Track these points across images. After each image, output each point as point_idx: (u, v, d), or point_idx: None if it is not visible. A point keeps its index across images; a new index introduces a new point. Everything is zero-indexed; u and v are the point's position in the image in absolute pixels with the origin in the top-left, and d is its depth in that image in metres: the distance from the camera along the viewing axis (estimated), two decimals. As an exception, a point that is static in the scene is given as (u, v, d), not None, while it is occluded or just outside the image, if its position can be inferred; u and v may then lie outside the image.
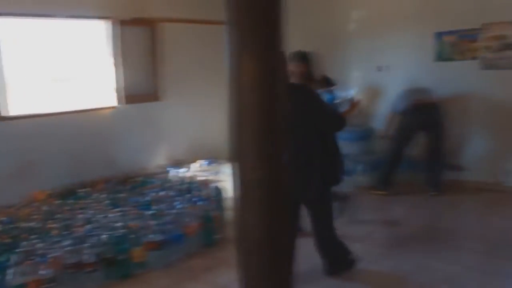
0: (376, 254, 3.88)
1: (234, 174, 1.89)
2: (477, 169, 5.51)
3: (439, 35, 5.56)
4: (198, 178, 5.36)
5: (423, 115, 5.16)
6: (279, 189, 1.97)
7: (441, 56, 5.58)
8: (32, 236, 3.61)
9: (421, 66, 5.75)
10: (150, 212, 4.16)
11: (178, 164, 6.00)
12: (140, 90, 5.70)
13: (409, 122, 5.24)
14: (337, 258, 3.51)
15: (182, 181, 5.21)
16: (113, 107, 5.54)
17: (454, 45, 5.47)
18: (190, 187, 4.91)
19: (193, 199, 4.48)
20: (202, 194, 4.65)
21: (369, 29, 6.13)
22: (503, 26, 5.11)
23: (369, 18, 6.13)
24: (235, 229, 1.96)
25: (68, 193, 4.83)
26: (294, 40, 6.45)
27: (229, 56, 1.84)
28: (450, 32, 5.47)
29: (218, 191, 4.71)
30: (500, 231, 4.21)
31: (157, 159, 6.06)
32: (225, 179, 5.39)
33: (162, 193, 4.71)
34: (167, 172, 5.71)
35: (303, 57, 3.32)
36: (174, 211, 4.17)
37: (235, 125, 1.84)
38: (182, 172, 5.69)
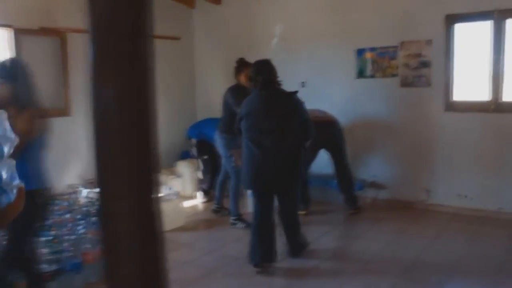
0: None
1: (99, 204, 1.61)
2: (398, 187, 5.50)
3: (360, 52, 5.55)
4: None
5: (320, 133, 5.04)
6: (151, 220, 1.71)
7: (362, 73, 5.57)
8: None
9: (343, 83, 5.72)
10: (45, 238, 3.75)
11: (90, 183, 5.58)
12: (47, 104, 5.23)
13: None
14: (301, 240, 4.05)
15: (91, 202, 4.82)
16: (15, 122, 5.05)
17: (375, 62, 5.47)
18: (98, 209, 4.52)
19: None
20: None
21: (292, 44, 6.03)
22: (420, 45, 5.16)
23: (292, 33, 6.04)
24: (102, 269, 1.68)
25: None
26: (215, 55, 6.33)
27: (90, 71, 1.56)
28: (371, 49, 5.47)
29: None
30: (417, 250, 4.14)
31: (67, 179, 5.60)
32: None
33: (66, 216, 4.30)
34: (78, 192, 5.28)
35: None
36: (73, 236, 3.79)
37: (97, 148, 1.57)
38: (94, 192, 5.28)
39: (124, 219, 1.60)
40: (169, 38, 6.53)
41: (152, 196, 1.67)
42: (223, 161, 5.03)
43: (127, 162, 1.59)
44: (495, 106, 4.87)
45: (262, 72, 3.87)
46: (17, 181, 1.56)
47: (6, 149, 1.50)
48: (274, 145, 3.67)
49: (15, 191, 1.54)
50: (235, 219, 4.93)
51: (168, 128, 6.54)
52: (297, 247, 4.08)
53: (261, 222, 3.82)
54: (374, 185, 5.63)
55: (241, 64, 4.96)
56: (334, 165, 5.31)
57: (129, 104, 1.58)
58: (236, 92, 4.81)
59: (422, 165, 5.34)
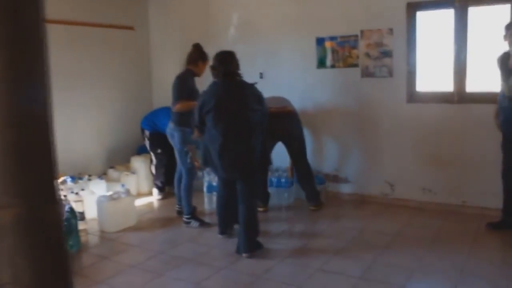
0: None
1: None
2: (360, 181, 5.33)
3: (321, 41, 5.32)
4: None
5: (276, 124, 4.83)
6: (47, 231, 1.43)
7: (323, 63, 5.35)
8: None
9: (303, 73, 5.50)
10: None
11: None
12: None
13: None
14: (256, 236, 3.96)
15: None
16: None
17: (335, 51, 5.25)
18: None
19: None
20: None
21: (251, 33, 5.78)
22: (381, 34, 4.97)
23: (250, 22, 5.78)
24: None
25: None
26: (172, 44, 6.01)
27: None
28: (331, 38, 5.25)
29: (70, 214, 4.05)
30: (379, 249, 3.95)
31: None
32: (86, 198, 4.74)
33: None
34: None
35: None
36: None
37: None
38: None
39: (6, 231, 1.33)
40: (122, 27, 6.18)
41: (49, 203, 1.39)
42: (178, 156, 4.71)
43: (7, 164, 1.30)
44: (459, 97, 4.72)
45: (225, 63, 3.87)
46: None
47: None
48: (238, 135, 3.76)
49: None
50: (189, 218, 4.66)
51: (122, 121, 6.20)
52: (251, 245, 3.90)
53: (224, 201, 4.17)
54: (336, 179, 5.44)
55: (202, 52, 4.63)
56: (291, 159, 5.09)
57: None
58: (189, 80, 4.55)
59: (385, 158, 5.16)
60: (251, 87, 3.92)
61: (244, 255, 3.86)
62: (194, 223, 4.61)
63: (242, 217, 3.92)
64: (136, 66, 6.46)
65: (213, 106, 3.74)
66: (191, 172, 4.65)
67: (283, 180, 5.23)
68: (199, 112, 3.84)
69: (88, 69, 5.76)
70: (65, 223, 3.95)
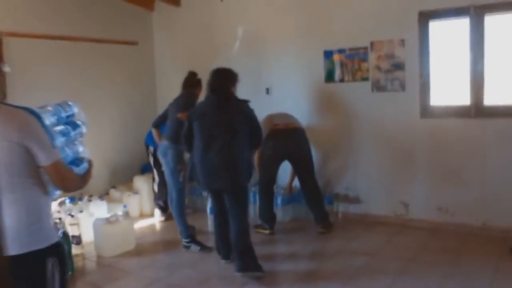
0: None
1: None
2: (372, 201, 5.02)
3: (329, 54, 5.08)
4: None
5: (282, 142, 4.61)
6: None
7: (331, 77, 5.10)
8: None
9: (311, 88, 5.25)
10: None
11: None
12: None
13: (268, 150, 4.65)
14: (251, 253, 3.76)
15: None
16: None
17: (344, 64, 5.00)
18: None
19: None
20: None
21: (256, 47, 5.57)
22: (392, 45, 4.70)
23: (255, 36, 5.57)
24: None
25: None
26: (176, 59, 5.87)
27: None
28: (339, 51, 5.01)
29: (63, 239, 3.83)
30: (392, 276, 3.64)
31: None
32: (83, 220, 4.53)
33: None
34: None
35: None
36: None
37: None
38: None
39: None
40: (125, 43, 6.04)
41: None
42: (169, 176, 4.47)
43: None
44: (476, 111, 4.41)
45: (215, 79, 3.86)
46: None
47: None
48: (222, 148, 3.66)
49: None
50: (188, 242, 4.41)
51: (126, 138, 6.03)
52: (244, 264, 3.70)
53: (220, 220, 4.00)
54: (347, 199, 5.15)
55: (197, 79, 4.59)
56: (299, 179, 4.83)
57: None
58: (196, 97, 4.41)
59: (398, 177, 4.86)
60: (241, 104, 3.83)
61: (236, 274, 3.71)
62: (195, 247, 4.36)
63: (232, 235, 3.82)
64: (140, 82, 6.31)
65: (197, 116, 3.78)
66: (183, 192, 4.45)
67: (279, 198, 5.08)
68: (188, 121, 3.85)
69: (91, 85, 5.61)
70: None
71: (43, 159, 1.79)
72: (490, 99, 4.37)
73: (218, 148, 3.66)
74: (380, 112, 4.85)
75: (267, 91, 5.51)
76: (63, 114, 2.08)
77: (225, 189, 3.76)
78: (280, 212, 5.11)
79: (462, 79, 4.46)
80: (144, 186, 5.70)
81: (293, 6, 5.24)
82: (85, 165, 2.13)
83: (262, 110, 5.40)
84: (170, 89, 5.30)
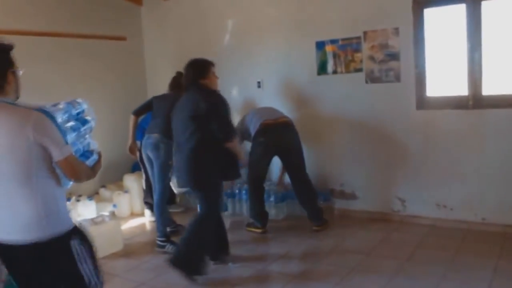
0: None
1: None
2: (369, 196, 4.85)
3: (321, 44, 4.89)
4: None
5: (271, 137, 4.45)
6: None
7: (324, 69, 4.91)
8: None
9: (303, 81, 5.07)
10: None
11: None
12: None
13: (258, 146, 4.49)
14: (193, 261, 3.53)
15: None
16: None
17: (336, 55, 4.82)
18: None
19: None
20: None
21: (246, 40, 5.38)
22: (385, 34, 4.52)
23: (246, 29, 5.39)
24: None
25: None
26: (167, 54, 5.68)
27: None
28: (332, 42, 4.82)
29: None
30: (388, 276, 3.47)
31: None
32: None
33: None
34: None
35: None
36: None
37: None
38: None
39: None
40: (114, 38, 5.87)
41: None
42: (158, 170, 4.30)
43: None
44: (474, 102, 4.23)
45: (186, 73, 3.74)
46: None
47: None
48: (183, 144, 3.60)
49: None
50: (163, 241, 4.26)
51: (116, 136, 5.84)
52: (186, 267, 3.53)
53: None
54: (343, 195, 4.98)
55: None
56: (289, 176, 4.65)
57: None
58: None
59: (395, 171, 4.69)
60: (205, 94, 3.58)
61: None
62: (169, 247, 4.20)
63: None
64: (129, 78, 6.15)
65: (172, 115, 3.80)
66: (167, 189, 4.31)
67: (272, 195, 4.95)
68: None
69: (78, 82, 5.45)
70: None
71: (57, 155, 1.96)
72: (489, 89, 4.18)
73: (178, 146, 3.67)
74: (375, 104, 4.68)
75: (259, 84, 5.34)
76: (74, 112, 2.26)
77: (188, 186, 3.75)
78: (274, 210, 4.96)
79: (459, 68, 4.27)
80: (134, 184, 5.55)
81: (284, -4, 5.07)
82: (94, 156, 2.29)
83: (254, 104, 5.27)
84: (161, 86, 5.13)
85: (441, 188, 4.43)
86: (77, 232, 2.09)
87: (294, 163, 4.58)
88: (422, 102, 4.46)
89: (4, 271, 2.04)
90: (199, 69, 3.69)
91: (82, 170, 2.12)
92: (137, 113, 4.62)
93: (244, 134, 4.66)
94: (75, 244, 2.03)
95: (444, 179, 4.41)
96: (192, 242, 3.57)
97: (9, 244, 1.98)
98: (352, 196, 4.93)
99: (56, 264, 2.02)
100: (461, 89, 4.28)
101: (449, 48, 4.36)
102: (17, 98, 2.09)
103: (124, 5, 6.02)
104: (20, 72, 2.12)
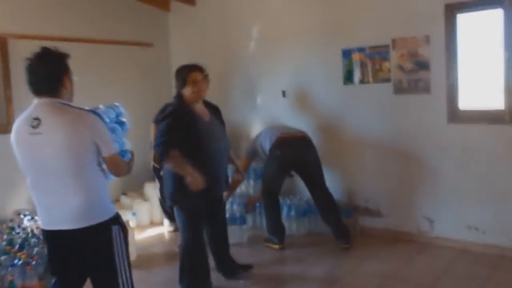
0: None
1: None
2: (394, 215, 4.54)
3: (347, 53, 4.65)
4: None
5: (290, 151, 4.24)
6: None
7: (350, 78, 4.66)
8: None
9: (328, 91, 4.83)
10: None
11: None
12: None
13: (274, 160, 4.28)
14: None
15: (27, 232, 4.12)
16: None
17: (364, 64, 4.56)
18: (25, 242, 3.82)
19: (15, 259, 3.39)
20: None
21: (271, 47, 5.19)
22: (415, 42, 4.23)
23: (271, 35, 5.20)
24: None
25: None
26: (193, 60, 5.60)
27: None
28: (359, 50, 4.57)
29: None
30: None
31: (14, 204, 4.92)
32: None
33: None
34: (21, 219, 4.58)
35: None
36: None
37: None
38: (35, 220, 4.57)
39: None
40: (140, 44, 5.84)
41: None
42: None
43: None
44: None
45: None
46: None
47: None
48: None
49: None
50: None
51: (140, 143, 5.77)
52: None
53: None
54: (367, 212, 4.70)
55: None
56: (309, 192, 4.43)
57: None
58: None
59: (423, 189, 4.36)
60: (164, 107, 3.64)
61: None
62: None
63: None
64: (155, 84, 6.10)
65: None
66: None
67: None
68: None
69: (104, 88, 5.42)
70: (45, 260, 3.54)
71: (105, 151, 2.24)
72: (528, 103, 3.82)
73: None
74: (403, 116, 4.39)
75: (284, 93, 5.14)
76: (113, 114, 2.55)
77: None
78: (294, 225, 4.74)
79: (495, 79, 3.93)
80: (155, 193, 5.46)
81: (310, 3, 4.85)
82: (129, 155, 2.55)
83: (278, 114, 5.09)
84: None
85: (473, 209, 4.09)
86: (118, 220, 2.35)
87: (312, 178, 4.36)
88: (454, 116, 4.14)
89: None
90: (177, 79, 3.51)
91: (123, 166, 2.40)
92: (157, 121, 4.52)
93: (255, 152, 4.53)
94: (115, 229, 2.29)
95: (477, 199, 4.07)
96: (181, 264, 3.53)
97: (56, 229, 2.23)
98: (377, 214, 4.64)
99: (96, 247, 2.27)
100: (497, 102, 3.94)
101: (484, 57, 4.03)
102: (71, 100, 2.31)
103: (152, 11, 5.99)
104: (75, 78, 2.32)
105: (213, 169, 3.32)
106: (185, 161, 3.17)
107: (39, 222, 2.38)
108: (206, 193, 3.23)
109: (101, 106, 2.48)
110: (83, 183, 2.19)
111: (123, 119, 2.66)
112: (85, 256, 2.30)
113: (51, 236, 2.28)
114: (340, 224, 4.35)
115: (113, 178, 2.42)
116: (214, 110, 3.62)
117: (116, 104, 2.64)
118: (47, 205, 2.24)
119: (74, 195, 2.17)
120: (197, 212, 3.40)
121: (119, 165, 2.36)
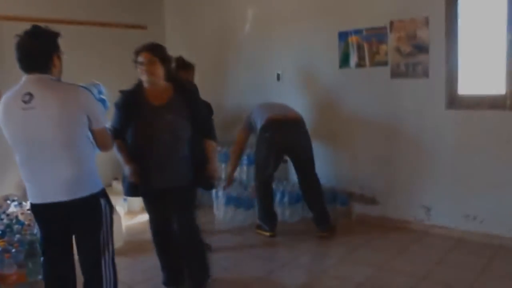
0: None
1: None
2: (391, 202, 4.43)
3: (344, 35, 4.50)
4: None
5: (281, 133, 4.09)
6: None
7: (346, 62, 4.51)
8: None
9: (324, 74, 4.69)
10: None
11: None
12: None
13: (264, 142, 4.15)
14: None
15: (11, 218, 4.02)
16: None
17: (361, 47, 4.41)
18: (7, 228, 3.73)
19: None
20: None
21: (266, 30, 5.06)
22: (414, 24, 4.07)
23: (266, 17, 5.06)
24: None
25: None
26: (189, 44, 5.44)
27: None
28: (355, 32, 4.42)
29: (35, 236, 3.54)
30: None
31: (2, 189, 4.83)
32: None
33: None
34: (8, 205, 4.49)
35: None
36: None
37: None
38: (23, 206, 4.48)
39: None
40: (134, 27, 5.70)
41: None
42: None
43: None
44: (513, 102, 3.73)
45: None
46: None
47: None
48: None
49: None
50: None
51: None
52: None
53: None
54: (362, 199, 4.58)
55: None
56: (297, 175, 4.30)
57: None
58: None
59: (420, 176, 4.24)
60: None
61: None
62: None
63: None
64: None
65: None
66: None
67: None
68: None
69: (97, 71, 5.30)
70: (26, 247, 3.45)
71: (95, 124, 2.30)
72: (530, 87, 3.67)
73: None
74: (400, 101, 4.24)
75: (278, 77, 5.00)
76: (95, 92, 2.56)
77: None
78: (287, 211, 4.64)
79: (496, 63, 3.78)
80: (147, 178, 5.37)
81: (306, -17, 4.70)
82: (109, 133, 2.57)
83: (271, 97, 4.95)
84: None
85: (471, 197, 3.96)
86: (105, 194, 2.41)
87: (301, 162, 4.23)
88: (453, 101, 3.99)
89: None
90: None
91: (109, 141, 2.48)
92: None
93: (251, 126, 4.37)
94: (104, 202, 2.36)
95: (476, 187, 3.94)
96: None
97: (48, 202, 2.26)
98: (372, 201, 4.52)
99: (87, 217, 2.34)
100: (498, 87, 3.79)
101: (485, 41, 3.87)
102: (60, 77, 2.35)
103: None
104: (65, 57, 2.35)
105: (156, 157, 2.91)
106: (123, 150, 2.92)
107: (29, 197, 2.35)
108: (146, 184, 2.94)
109: (82, 84, 2.46)
110: (76, 154, 2.25)
111: (104, 97, 2.70)
112: (74, 228, 2.37)
113: (42, 209, 2.31)
114: (323, 210, 4.23)
115: (98, 152, 2.45)
116: (183, 92, 3.04)
117: (97, 82, 2.69)
118: (39, 178, 2.25)
119: (68, 166, 2.22)
120: (148, 200, 3.20)
121: (106, 138, 2.43)
